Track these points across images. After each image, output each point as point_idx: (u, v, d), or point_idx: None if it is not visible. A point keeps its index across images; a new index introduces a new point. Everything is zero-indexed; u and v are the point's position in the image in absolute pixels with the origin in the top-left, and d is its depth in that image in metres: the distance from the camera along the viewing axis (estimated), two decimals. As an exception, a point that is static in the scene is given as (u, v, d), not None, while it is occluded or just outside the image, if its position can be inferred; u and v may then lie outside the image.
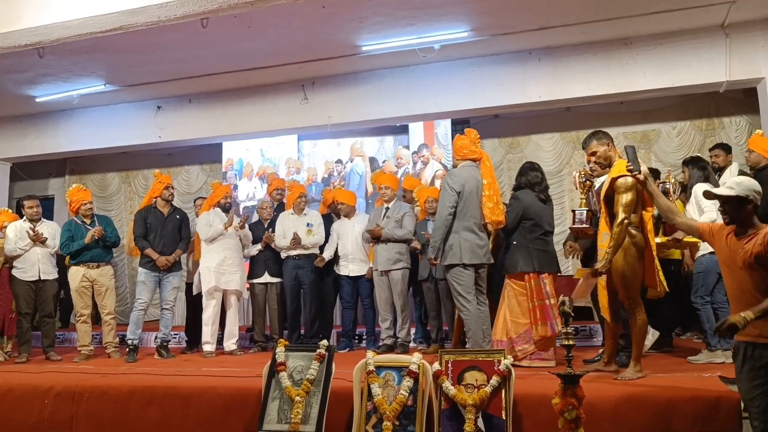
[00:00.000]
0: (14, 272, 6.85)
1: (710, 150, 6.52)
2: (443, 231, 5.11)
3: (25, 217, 7.00)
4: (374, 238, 6.47)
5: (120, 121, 9.94)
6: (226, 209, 6.97)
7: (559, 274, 5.30)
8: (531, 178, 5.39)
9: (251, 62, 8.32)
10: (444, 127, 9.54)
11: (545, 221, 5.24)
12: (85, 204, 6.95)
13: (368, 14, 7.05)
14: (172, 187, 7.03)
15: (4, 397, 4.93)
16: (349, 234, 6.88)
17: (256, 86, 9.17)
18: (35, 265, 6.83)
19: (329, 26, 7.31)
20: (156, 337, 6.91)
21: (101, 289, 6.79)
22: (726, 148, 6.40)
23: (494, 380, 3.83)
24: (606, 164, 4.59)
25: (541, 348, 5.14)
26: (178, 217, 6.90)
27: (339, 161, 9.99)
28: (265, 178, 10.14)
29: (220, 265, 6.69)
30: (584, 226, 4.83)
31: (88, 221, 6.90)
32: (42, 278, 6.85)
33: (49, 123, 10.24)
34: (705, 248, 5.25)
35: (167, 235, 6.75)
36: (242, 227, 6.81)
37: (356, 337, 7.20)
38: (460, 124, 9.45)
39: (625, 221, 4.26)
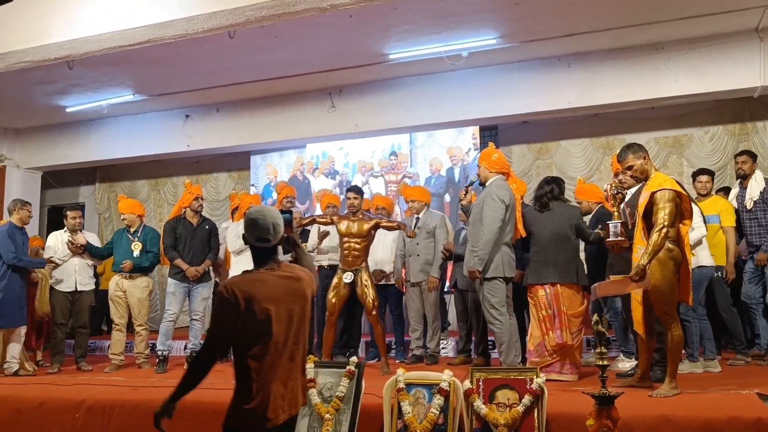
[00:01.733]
0: (51, 283, 6.93)
1: (736, 156, 6.37)
2: (492, 244, 5.07)
3: (65, 228, 7.04)
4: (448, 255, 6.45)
5: (149, 130, 10.04)
6: None
7: (575, 282, 5.20)
8: (537, 192, 5.45)
9: (278, 71, 8.34)
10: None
11: (544, 231, 5.19)
12: (122, 216, 7.06)
13: (395, 23, 7.03)
14: (202, 198, 7.03)
15: (36, 410, 4.98)
16: (379, 242, 6.79)
17: (283, 95, 9.20)
18: (72, 276, 6.90)
19: (356, 35, 7.30)
20: (186, 347, 6.95)
21: (132, 300, 6.85)
22: (753, 156, 6.25)
23: (526, 399, 3.78)
24: (642, 178, 4.53)
25: (557, 360, 5.10)
26: (207, 227, 6.91)
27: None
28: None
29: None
30: (619, 239, 4.74)
31: (132, 231, 6.97)
32: (78, 289, 6.92)
33: (79, 132, 10.39)
34: (696, 262, 5.31)
35: (196, 245, 6.75)
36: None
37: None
38: (488, 130, 9.40)
39: (665, 230, 4.20)
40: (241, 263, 6.72)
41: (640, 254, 4.35)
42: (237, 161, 10.96)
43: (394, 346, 7.05)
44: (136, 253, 6.78)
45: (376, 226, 6.04)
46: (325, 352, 6.13)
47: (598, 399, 3.39)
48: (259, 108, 9.41)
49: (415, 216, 6.63)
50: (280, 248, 2.91)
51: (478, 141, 9.39)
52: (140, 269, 6.85)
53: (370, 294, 5.94)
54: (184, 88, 8.92)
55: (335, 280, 6.09)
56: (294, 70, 8.31)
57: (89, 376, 6.26)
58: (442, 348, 6.85)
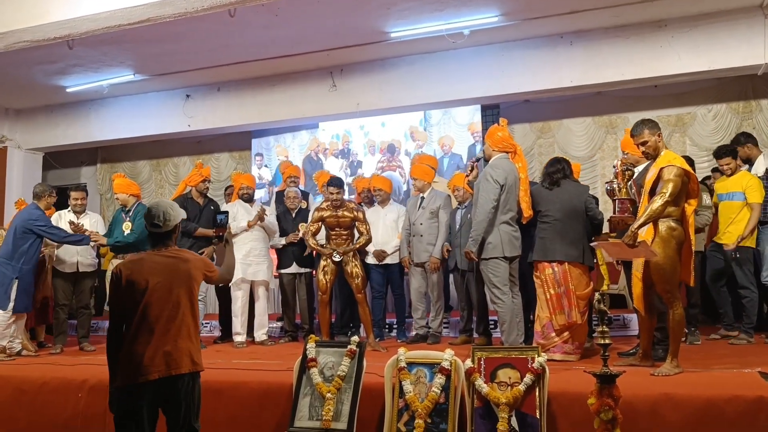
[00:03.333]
0: (54, 264, 6.90)
1: (740, 144, 6.18)
2: (486, 224, 5.04)
3: (69, 208, 7.00)
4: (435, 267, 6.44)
5: (149, 109, 9.99)
6: (247, 200, 6.94)
7: (582, 262, 5.16)
8: (545, 171, 5.42)
9: (279, 50, 8.26)
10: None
11: (552, 209, 5.15)
12: (116, 195, 7.01)
13: (396, 0, 6.94)
14: (209, 181, 7.02)
15: (39, 390, 4.98)
16: (380, 222, 6.83)
17: (284, 74, 9.13)
18: (74, 257, 6.86)
19: (357, 13, 7.22)
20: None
21: None
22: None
23: (528, 378, 3.76)
24: (653, 155, 4.49)
25: (564, 340, 5.07)
26: (212, 208, 6.92)
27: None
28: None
29: (246, 257, 6.68)
30: (625, 215, 4.71)
31: (126, 210, 6.87)
32: (80, 270, 6.89)
33: (80, 112, 10.33)
34: None
35: (203, 225, 6.74)
36: (261, 220, 6.76)
37: (386, 327, 7.18)
38: (489, 109, 9.34)
39: (666, 198, 4.19)
40: (237, 243, 6.72)
41: (643, 231, 4.32)
42: (238, 141, 10.91)
43: (396, 326, 7.07)
44: (126, 232, 6.65)
45: (354, 221, 6.17)
46: (323, 332, 6.18)
47: (599, 378, 3.38)
48: (260, 87, 9.34)
49: (421, 195, 6.58)
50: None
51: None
52: (129, 247, 6.53)
53: (359, 274, 6.09)
54: (184, 68, 8.84)
55: (323, 261, 6.17)
56: (295, 49, 8.23)
57: (92, 356, 6.25)
58: (444, 327, 6.84)
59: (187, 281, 3.32)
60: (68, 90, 9.52)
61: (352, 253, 6.14)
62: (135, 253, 3.50)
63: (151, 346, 3.17)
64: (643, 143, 4.49)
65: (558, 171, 5.27)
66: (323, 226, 6.28)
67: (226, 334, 7.15)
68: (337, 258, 6.10)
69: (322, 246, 6.27)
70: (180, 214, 3.47)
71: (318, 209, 6.29)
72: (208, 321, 8.16)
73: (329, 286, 6.16)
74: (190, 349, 3.27)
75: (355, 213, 6.17)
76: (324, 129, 10.22)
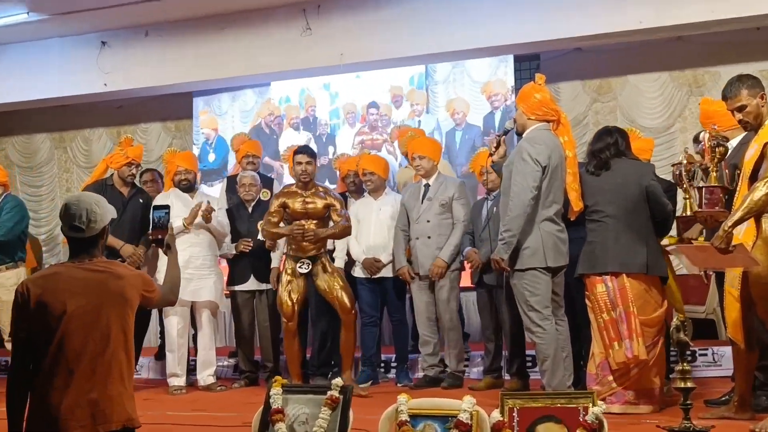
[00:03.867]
0: None
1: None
2: (522, 222, 5.03)
3: None
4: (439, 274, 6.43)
5: (51, 63, 9.98)
6: (187, 189, 6.94)
7: (646, 273, 5.15)
8: (591, 149, 5.38)
9: (231, -21, 8.29)
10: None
11: (603, 202, 5.15)
12: None
13: None
14: (138, 165, 7.03)
15: None
16: (372, 218, 6.83)
17: (239, 12, 9.16)
18: None
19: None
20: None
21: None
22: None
23: (579, 436, 3.75)
24: (755, 125, 4.48)
25: (624, 383, 5.04)
26: (141, 201, 6.90)
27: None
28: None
29: (184, 268, 6.61)
30: (716, 209, 4.66)
31: None
32: None
33: (-47, 67, 10.29)
34: None
35: (127, 223, 6.74)
36: (207, 221, 6.75)
37: (382, 365, 7.20)
38: (526, 61, 9.33)
39: None
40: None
41: (740, 232, 4.32)
42: (175, 107, 10.91)
43: (394, 363, 7.07)
44: None
45: (328, 209, 6.22)
46: (292, 373, 6.20)
47: (679, 435, 3.39)
48: (205, 31, 9.37)
49: (424, 182, 6.57)
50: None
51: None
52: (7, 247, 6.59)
53: (341, 287, 6.14)
54: (98, 4, 8.84)
55: (284, 275, 6.22)
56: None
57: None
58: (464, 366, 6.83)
59: (120, 305, 3.32)
60: (-63, 35, 9.52)
61: (324, 258, 6.14)
62: (51, 266, 3.42)
63: (71, 392, 3.16)
64: (740, 108, 4.48)
65: (607, 147, 5.24)
66: (289, 219, 6.27)
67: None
68: (303, 269, 6.10)
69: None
70: (109, 212, 3.46)
71: (278, 194, 6.32)
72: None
73: (297, 309, 6.17)
74: (123, 396, 3.27)
75: (329, 198, 6.21)
76: (275, 88, 10.29)
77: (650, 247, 5.13)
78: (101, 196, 3.52)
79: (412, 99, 9.71)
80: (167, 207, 4.29)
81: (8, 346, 6.61)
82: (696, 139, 6.01)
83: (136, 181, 7.26)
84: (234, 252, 7.01)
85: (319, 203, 6.17)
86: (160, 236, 3.97)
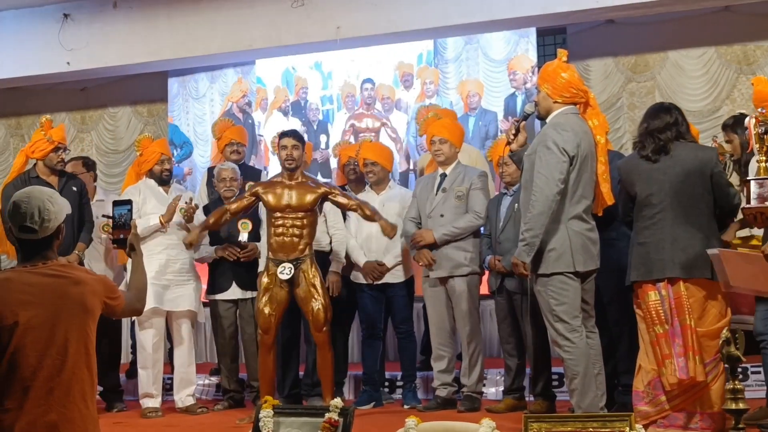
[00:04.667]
0: None
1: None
2: (546, 219, 5.00)
3: None
4: (420, 246, 6.43)
5: (5, 39, 10.04)
6: (163, 181, 6.95)
7: (709, 278, 5.11)
8: (642, 127, 5.29)
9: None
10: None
11: (661, 192, 5.09)
12: None
13: None
14: (66, 149, 7.02)
15: None
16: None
17: (220, -20, 9.17)
18: None
19: None
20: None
21: None
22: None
23: (615, 467, 3.75)
24: None
25: (679, 407, 5.03)
26: (74, 189, 6.86)
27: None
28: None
29: (160, 274, 6.68)
30: (766, 204, 4.65)
31: None
32: None
33: None
34: None
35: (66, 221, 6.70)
36: (189, 220, 6.74)
37: (386, 385, 7.21)
38: (550, 35, 9.39)
39: None
40: (146, 252, 6.65)
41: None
42: (148, 88, 11.00)
43: (400, 382, 7.07)
44: None
45: (324, 198, 6.19)
46: (263, 391, 6.05)
47: (731, 467, 3.36)
48: (180, 3, 9.40)
49: (440, 171, 6.56)
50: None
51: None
52: None
53: (318, 299, 6.08)
54: (60, -30, 8.87)
55: (264, 279, 6.19)
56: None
57: None
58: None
59: (80, 314, 3.29)
60: None
61: (308, 262, 6.12)
62: (3, 271, 3.41)
63: (26, 414, 3.14)
64: None
65: (668, 127, 5.18)
66: (267, 214, 6.25)
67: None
68: (285, 275, 6.07)
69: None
70: (64, 208, 3.44)
71: (256, 183, 6.35)
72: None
73: (276, 320, 6.15)
74: (85, 419, 3.26)
75: (322, 188, 6.21)
76: (259, 66, 10.36)
77: (714, 246, 5.08)
78: (54, 191, 3.51)
79: (424, 77, 9.74)
80: (129, 202, 4.27)
81: None
82: (726, 126, 5.96)
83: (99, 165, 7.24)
84: (214, 256, 6.99)
85: (308, 196, 6.11)
86: (122, 236, 3.95)
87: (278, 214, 6.09)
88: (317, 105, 10.10)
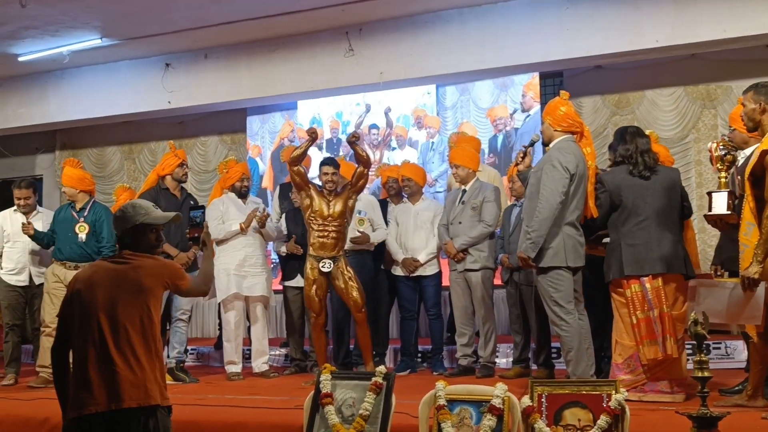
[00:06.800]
0: (2, 274, 6.98)
1: None
2: (550, 223, 5.00)
3: (15, 207, 7.08)
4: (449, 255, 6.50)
5: (121, 83, 10.09)
6: (242, 195, 6.98)
7: (683, 273, 5.08)
8: (629, 149, 5.17)
9: (281, 6, 8.32)
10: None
11: (648, 203, 5.05)
12: (62, 188, 6.97)
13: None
14: (187, 166, 7.06)
15: (-11, 431, 5.06)
16: (410, 222, 6.86)
17: (288, 36, 9.18)
18: (26, 267, 6.94)
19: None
20: (168, 356, 6.90)
21: None
22: None
23: (602, 420, 3.71)
24: (751, 127, 4.45)
25: (655, 377, 4.98)
26: (192, 203, 6.91)
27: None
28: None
29: (240, 267, 6.73)
30: (724, 212, 4.61)
31: (77, 208, 6.81)
32: (36, 283, 6.96)
33: (34, 87, 10.45)
34: None
35: (184, 225, 6.63)
36: (262, 226, 6.84)
37: (419, 356, 7.20)
38: (550, 78, 9.35)
39: None
40: (228, 249, 6.76)
41: (750, 233, 4.25)
42: (231, 122, 11.01)
43: (430, 354, 7.07)
44: (81, 236, 6.62)
45: (350, 196, 6.29)
46: (320, 361, 6.22)
47: (696, 420, 3.33)
48: (257, 54, 9.41)
49: (462, 188, 6.57)
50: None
51: (536, 93, 9.37)
52: (87, 259, 6.51)
53: (354, 287, 6.17)
54: (163, 30, 8.92)
55: (309, 273, 6.24)
56: (302, 4, 8.26)
57: (49, 386, 6.30)
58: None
59: (137, 293, 3.36)
60: (20, 59, 9.65)
61: (342, 260, 6.21)
62: (93, 263, 3.59)
63: (90, 373, 3.25)
64: (744, 111, 4.46)
65: (649, 150, 5.15)
66: (305, 216, 6.31)
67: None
68: (326, 268, 6.14)
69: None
70: (141, 212, 3.48)
71: (310, 182, 6.36)
72: (194, 347, 8.22)
73: (324, 304, 6.30)
74: (138, 378, 3.28)
75: (346, 188, 6.30)
76: (301, 108, 10.49)
77: (683, 247, 5.11)
78: (137, 200, 3.67)
79: (428, 122, 9.92)
80: (203, 207, 4.37)
81: (46, 340, 6.68)
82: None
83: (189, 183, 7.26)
84: (285, 251, 7.05)
85: (339, 206, 6.20)
86: (196, 234, 4.01)
87: (320, 221, 6.17)
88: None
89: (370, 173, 9.17)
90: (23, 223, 6.78)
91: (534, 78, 9.40)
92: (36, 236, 6.78)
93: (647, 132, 5.51)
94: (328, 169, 6.29)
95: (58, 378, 3.41)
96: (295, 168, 6.25)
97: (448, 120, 9.82)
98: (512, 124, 9.53)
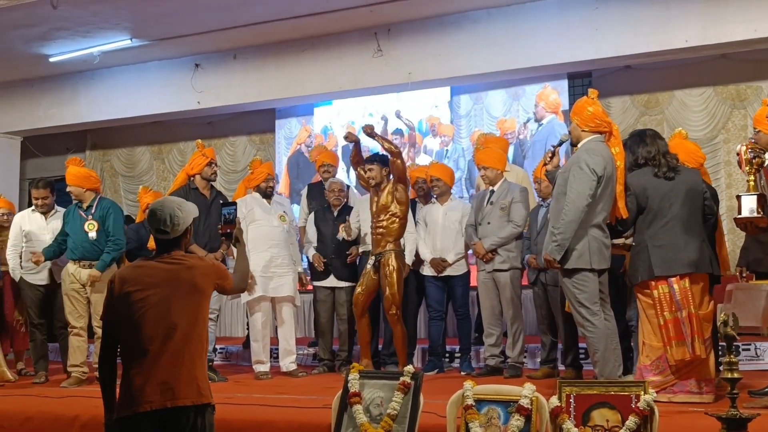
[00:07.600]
0: (22, 274, 7.01)
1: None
2: (576, 225, 4.98)
3: (33, 207, 7.15)
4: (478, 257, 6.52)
5: (150, 83, 10.21)
6: (267, 195, 6.98)
7: (711, 272, 5.05)
8: (651, 151, 5.16)
9: (310, 7, 8.37)
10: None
11: (673, 204, 5.02)
12: (68, 188, 6.81)
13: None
14: (216, 164, 7.06)
15: (21, 427, 5.12)
16: (439, 223, 6.85)
17: (316, 37, 9.23)
18: (47, 266, 6.97)
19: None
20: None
21: (96, 296, 6.44)
22: None
23: (631, 421, 3.70)
24: None
25: (683, 377, 4.95)
26: (222, 202, 6.92)
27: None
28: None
29: (266, 268, 6.75)
30: (755, 215, 4.58)
31: (84, 207, 6.72)
32: (57, 280, 6.96)
33: (65, 88, 10.61)
34: None
35: (213, 225, 6.63)
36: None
37: (447, 356, 7.21)
38: (579, 78, 9.31)
39: None
40: (254, 250, 6.74)
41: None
42: (259, 121, 11.08)
43: (458, 354, 7.07)
44: (92, 234, 6.57)
45: (395, 188, 6.31)
46: (363, 355, 6.33)
47: (726, 422, 3.31)
48: (286, 54, 9.47)
49: (490, 188, 6.57)
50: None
51: (547, 103, 9.43)
52: (100, 255, 6.54)
53: (389, 288, 6.22)
54: (193, 30, 9.01)
55: (367, 268, 6.38)
56: (330, 4, 8.31)
57: (83, 387, 6.41)
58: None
59: (190, 293, 3.38)
60: (52, 60, 9.78)
61: (389, 255, 6.26)
62: (137, 261, 3.54)
63: (144, 371, 3.27)
64: None
65: (669, 151, 5.15)
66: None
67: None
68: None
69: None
70: (190, 214, 3.52)
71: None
72: (223, 346, 8.29)
73: (363, 299, 6.39)
74: (195, 377, 3.33)
75: (390, 182, 6.36)
76: (318, 114, 10.53)
77: (708, 246, 5.07)
78: (182, 199, 3.59)
79: (440, 130, 10.01)
80: (234, 204, 4.35)
81: (75, 340, 6.73)
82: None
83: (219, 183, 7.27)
84: (310, 257, 7.14)
85: (382, 200, 6.30)
86: (229, 230, 4.01)
87: (373, 220, 6.33)
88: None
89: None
90: (31, 255, 6.73)
91: (546, 88, 9.45)
92: (47, 258, 6.73)
93: (677, 130, 5.50)
94: (366, 166, 6.38)
95: (106, 378, 3.42)
96: (357, 171, 6.52)
97: (462, 128, 9.87)
98: (525, 133, 9.58)
